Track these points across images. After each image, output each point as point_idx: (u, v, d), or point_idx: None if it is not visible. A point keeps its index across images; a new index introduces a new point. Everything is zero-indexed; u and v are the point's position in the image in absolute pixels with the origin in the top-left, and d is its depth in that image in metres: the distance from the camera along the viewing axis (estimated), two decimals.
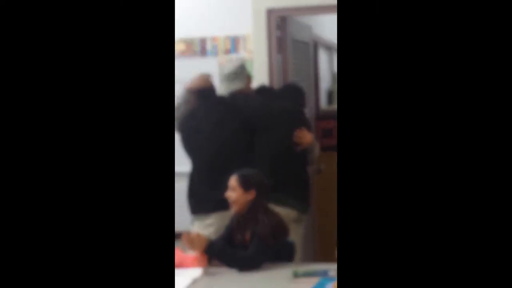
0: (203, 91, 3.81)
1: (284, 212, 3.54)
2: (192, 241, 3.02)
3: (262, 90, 4.07)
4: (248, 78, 3.97)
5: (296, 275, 2.86)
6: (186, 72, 4.03)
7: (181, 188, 4.82)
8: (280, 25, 4.50)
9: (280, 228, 3.16)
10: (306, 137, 3.80)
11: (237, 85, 3.86)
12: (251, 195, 3.12)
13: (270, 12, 4.39)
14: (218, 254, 3.07)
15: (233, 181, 3.17)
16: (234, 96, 3.83)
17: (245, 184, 3.14)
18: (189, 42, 4.41)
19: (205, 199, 3.69)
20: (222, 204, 3.49)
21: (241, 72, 3.91)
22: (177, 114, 3.73)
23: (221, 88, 3.89)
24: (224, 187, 3.33)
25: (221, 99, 3.84)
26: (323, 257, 4.63)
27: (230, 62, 4.08)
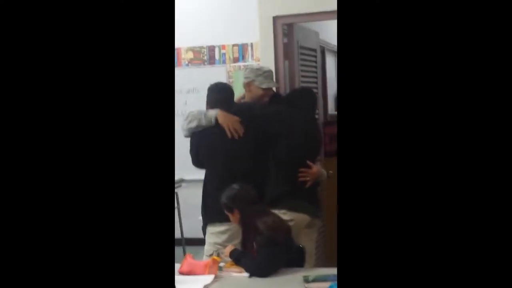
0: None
1: (297, 217, 3.58)
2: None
3: (275, 97, 4.08)
4: (269, 89, 3.99)
5: (306, 281, 2.88)
6: (195, 81, 4.05)
7: (188, 195, 4.87)
8: (287, 32, 4.53)
9: (278, 228, 3.21)
10: (310, 172, 3.82)
11: (270, 84, 3.89)
12: (237, 214, 3.26)
13: (276, 19, 4.42)
14: (236, 260, 3.20)
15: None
16: (251, 105, 3.85)
17: (228, 208, 3.30)
18: (197, 51, 4.45)
19: (218, 209, 3.70)
20: None
21: (270, 74, 3.94)
22: (193, 125, 3.76)
23: (258, 81, 3.89)
24: None
25: (238, 109, 3.83)
26: (334, 262, 4.64)
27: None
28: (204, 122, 3.73)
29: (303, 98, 4.05)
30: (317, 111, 4.32)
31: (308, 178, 3.78)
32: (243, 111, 3.80)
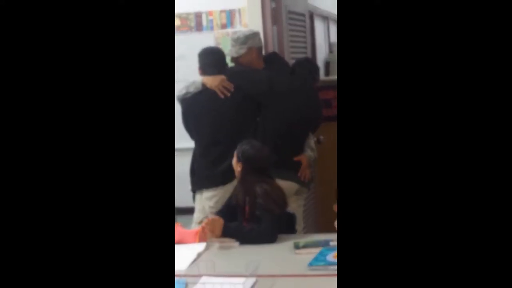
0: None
1: (285, 185, 3.59)
2: (212, 226, 3.09)
3: (272, 59, 4.02)
4: (259, 48, 3.94)
5: (297, 247, 2.89)
6: (183, 48, 4.02)
7: (179, 164, 4.85)
8: None
9: (281, 197, 3.21)
10: (304, 158, 3.88)
11: (249, 44, 3.84)
12: (239, 167, 3.24)
13: None
14: (234, 234, 3.09)
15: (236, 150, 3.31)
16: (241, 71, 3.82)
17: (238, 158, 3.27)
18: (184, 17, 4.40)
19: (205, 175, 3.71)
20: (221, 179, 3.54)
21: (254, 37, 3.89)
22: (182, 92, 3.75)
23: (231, 51, 3.86)
24: (225, 162, 3.40)
25: (231, 73, 3.80)
26: (324, 228, 4.67)
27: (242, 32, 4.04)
28: (192, 89, 3.73)
29: (301, 67, 4.02)
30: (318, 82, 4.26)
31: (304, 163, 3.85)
32: (235, 75, 3.76)
